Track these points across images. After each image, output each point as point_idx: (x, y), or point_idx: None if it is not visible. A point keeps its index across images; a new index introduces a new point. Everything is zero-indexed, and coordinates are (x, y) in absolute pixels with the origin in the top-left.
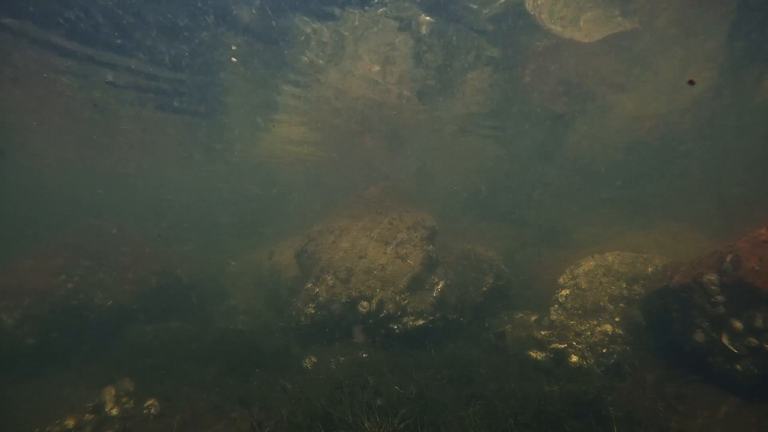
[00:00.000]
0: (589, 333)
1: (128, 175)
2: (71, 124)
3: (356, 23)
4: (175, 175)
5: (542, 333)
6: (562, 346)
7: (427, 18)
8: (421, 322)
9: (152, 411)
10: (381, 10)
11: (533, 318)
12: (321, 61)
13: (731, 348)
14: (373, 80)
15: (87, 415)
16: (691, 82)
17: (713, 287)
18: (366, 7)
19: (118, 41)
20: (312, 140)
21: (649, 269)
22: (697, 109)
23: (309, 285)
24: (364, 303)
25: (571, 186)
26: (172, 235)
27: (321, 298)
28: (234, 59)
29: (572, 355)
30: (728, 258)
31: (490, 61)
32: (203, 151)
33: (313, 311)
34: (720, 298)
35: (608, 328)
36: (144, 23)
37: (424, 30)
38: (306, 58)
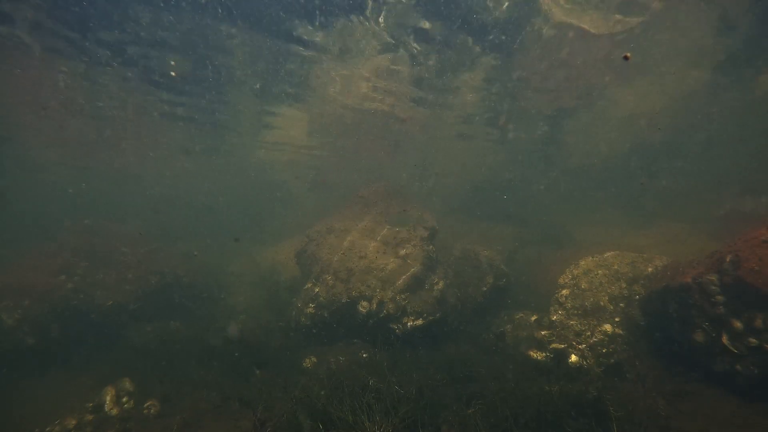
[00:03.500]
0: (589, 333)
1: (121, 173)
2: (67, 119)
3: (352, 32)
4: (165, 171)
5: (542, 333)
6: (562, 346)
7: (425, 24)
8: (421, 322)
9: (152, 411)
10: (380, 19)
11: (533, 318)
12: (317, 69)
13: (731, 348)
14: (370, 86)
15: (87, 415)
16: (626, 58)
17: (713, 287)
18: (360, 17)
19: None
20: (311, 143)
21: (649, 269)
22: (695, 108)
23: (309, 285)
24: (364, 303)
25: (570, 186)
26: (153, 234)
27: (321, 298)
28: (173, 73)
29: (572, 355)
30: (728, 258)
31: (486, 62)
32: (194, 149)
33: (313, 311)
34: (720, 298)
35: (608, 328)
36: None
37: (416, 44)
38: (302, 60)
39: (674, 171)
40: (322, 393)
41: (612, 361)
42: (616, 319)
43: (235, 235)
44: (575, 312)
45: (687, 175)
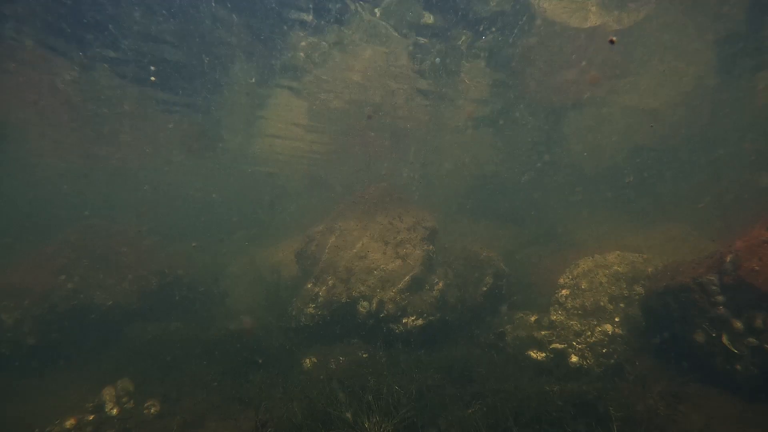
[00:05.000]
0: (589, 333)
1: (118, 170)
2: (68, 116)
3: (353, 25)
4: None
5: (542, 333)
6: (562, 346)
7: (427, 14)
8: (421, 322)
9: (152, 411)
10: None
11: (533, 318)
12: (316, 57)
13: (731, 348)
14: (372, 78)
15: (87, 415)
16: (611, 42)
17: (713, 287)
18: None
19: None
20: (310, 138)
21: (649, 269)
22: (694, 107)
23: (309, 285)
24: (365, 303)
25: (570, 186)
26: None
27: (321, 298)
28: (153, 78)
29: (572, 355)
30: (728, 258)
31: (485, 56)
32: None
33: (313, 311)
34: (720, 298)
35: (608, 328)
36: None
37: (422, 30)
38: (301, 53)
39: (670, 172)
40: (322, 393)
41: (612, 361)
42: (616, 320)
43: (233, 234)
44: (575, 312)
45: (684, 175)
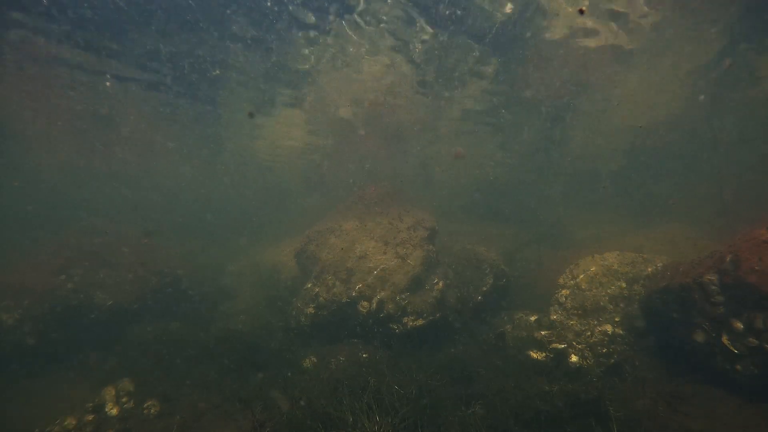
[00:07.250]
0: (589, 333)
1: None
2: (68, 120)
3: (354, 30)
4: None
5: (542, 333)
6: (562, 346)
7: (427, 28)
8: (421, 322)
9: (152, 411)
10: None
11: (533, 318)
12: (320, 61)
13: (731, 348)
14: (372, 80)
15: (87, 415)
16: (581, 12)
17: (713, 287)
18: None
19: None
20: (310, 140)
21: (649, 269)
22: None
23: (309, 285)
24: (365, 303)
25: (570, 186)
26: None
27: (321, 298)
28: (108, 83)
29: (572, 355)
30: (728, 258)
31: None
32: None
33: (313, 311)
34: (720, 298)
35: (608, 328)
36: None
37: (421, 43)
38: (303, 56)
39: (668, 173)
40: (322, 393)
41: (612, 361)
42: (616, 319)
43: (236, 236)
44: (575, 312)
45: (681, 176)
